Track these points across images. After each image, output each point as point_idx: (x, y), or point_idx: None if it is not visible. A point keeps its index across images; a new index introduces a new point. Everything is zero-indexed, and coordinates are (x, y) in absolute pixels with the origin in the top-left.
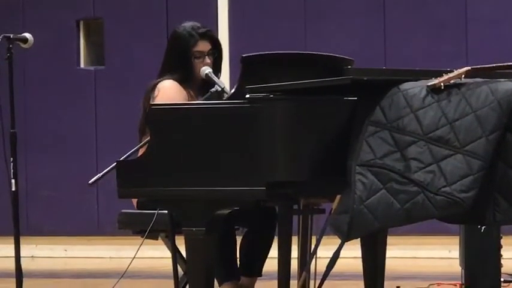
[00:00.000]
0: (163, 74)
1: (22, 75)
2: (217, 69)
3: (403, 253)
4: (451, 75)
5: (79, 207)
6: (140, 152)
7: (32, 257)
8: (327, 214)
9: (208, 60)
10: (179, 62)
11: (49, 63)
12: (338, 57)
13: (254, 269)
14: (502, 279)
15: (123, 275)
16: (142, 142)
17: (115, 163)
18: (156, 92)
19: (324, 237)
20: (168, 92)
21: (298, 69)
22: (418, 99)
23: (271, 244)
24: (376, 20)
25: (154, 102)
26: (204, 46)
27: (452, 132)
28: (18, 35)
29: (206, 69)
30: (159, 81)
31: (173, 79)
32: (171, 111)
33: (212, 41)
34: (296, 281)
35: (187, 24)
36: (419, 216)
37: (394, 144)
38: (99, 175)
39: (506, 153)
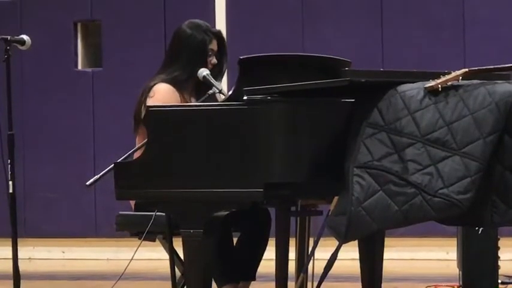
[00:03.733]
0: (166, 70)
1: (20, 77)
2: (220, 71)
3: (401, 255)
4: (448, 77)
5: (77, 208)
6: (137, 154)
7: (30, 258)
8: (325, 216)
9: (215, 60)
10: (193, 59)
11: (46, 65)
12: (335, 59)
13: (248, 273)
14: (499, 281)
15: (121, 276)
16: (140, 144)
17: (113, 165)
18: (152, 93)
19: (321, 238)
20: (163, 94)
21: (295, 71)
22: (416, 101)
23: (265, 248)
24: (374, 21)
25: (149, 102)
26: (215, 45)
27: (449, 134)
28: (16, 37)
29: (204, 71)
30: (156, 84)
31: (169, 81)
32: (168, 112)
33: (220, 42)
34: (294, 283)
35: (198, 21)
36: (417, 218)
37: (391, 146)
38: (96, 177)
39: (504, 155)
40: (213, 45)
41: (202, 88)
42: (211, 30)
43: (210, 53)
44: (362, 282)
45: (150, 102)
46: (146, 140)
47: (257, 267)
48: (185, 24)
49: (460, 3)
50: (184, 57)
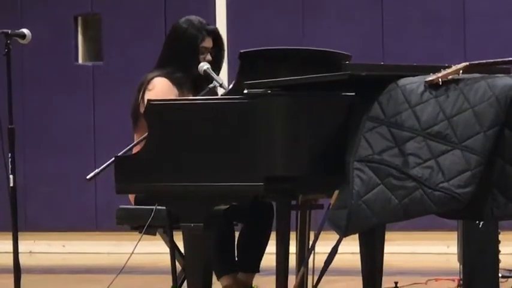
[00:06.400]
0: (162, 66)
1: (20, 70)
2: (217, 68)
3: (401, 249)
4: (449, 70)
5: (77, 202)
6: (136, 148)
7: (30, 252)
8: (325, 209)
9: (209, 57)
10: (185, 56)
11: (47, 58)
12: (335, 53)
13: (252, 265)
14: (500, 275)
15: (121, 270)
16: (140, 138)
17: (113, 158)
18: (151, 86)
19: (322, 232)
20: (162, 88)
21: (296, 65)
22: (416, 95)
23: (268, 240)
24: (374, 15)
25: (147, 95)
26: (209, 43)
27: (450, 128)
28: (16, 31)
29: (205, 65)
30: (154, 77)
31: (167, 76)
32: (169, 106)
33: (216, 40)
34: (294, 276)
35: (194, 18)
36: (417, 211)
37: (392, 140)
38: (97, 170)
39: (504, 149)
40: (207, 43)
41: (200, 83)
42: (206, 27)
43: (203, 51)
44: (363, 275)
45: (149, 95)
46: (147, 133)
47: (260, 260)
48: (182, 20)
49: None
50: (177, 53)
